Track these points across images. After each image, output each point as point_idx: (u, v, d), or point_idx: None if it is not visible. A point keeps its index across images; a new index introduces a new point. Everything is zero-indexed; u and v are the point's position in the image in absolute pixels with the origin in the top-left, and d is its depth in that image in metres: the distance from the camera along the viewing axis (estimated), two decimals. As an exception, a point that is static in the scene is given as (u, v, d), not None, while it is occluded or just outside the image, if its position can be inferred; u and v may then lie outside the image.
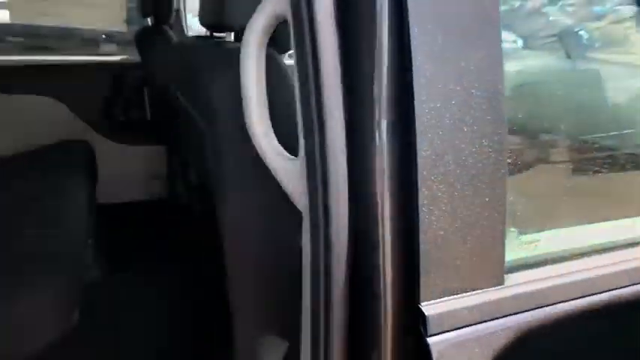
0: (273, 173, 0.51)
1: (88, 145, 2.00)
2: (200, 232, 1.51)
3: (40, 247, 1.20)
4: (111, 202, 2.14)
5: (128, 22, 2.22)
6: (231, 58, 0.75)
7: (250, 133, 0.51)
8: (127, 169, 2.23)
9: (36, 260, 1.14)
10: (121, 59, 2.22)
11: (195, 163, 1.08)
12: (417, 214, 0.42)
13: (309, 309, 0.51)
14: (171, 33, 1.66)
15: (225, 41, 0.80)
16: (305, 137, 0.46)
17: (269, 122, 0.49)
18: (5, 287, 1.06)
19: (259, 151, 0.51)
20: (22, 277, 1.08)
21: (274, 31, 0.80)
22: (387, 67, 0.41)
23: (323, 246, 0.45)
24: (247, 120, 0.50)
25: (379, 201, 0.42)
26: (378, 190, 0.41)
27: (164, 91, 1.60)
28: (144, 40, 1.85)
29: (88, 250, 1.27)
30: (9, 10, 2.08)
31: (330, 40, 0.42)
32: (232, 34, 1.06)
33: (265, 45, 0.51)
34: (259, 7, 0.49)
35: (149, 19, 1.94)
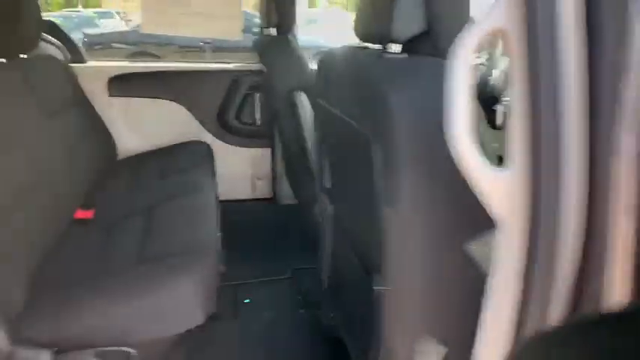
0: (471, 184, 0.53)
1: (208, 146, 2.16)
2: (312, 232, 1.58)
3: (181, 238, 1.32)
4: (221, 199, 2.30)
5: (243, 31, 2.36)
6: (406, 71, 0.78)
7: (452, 145, 0.52)
8: (235, 169, 2.37)
9: (176, 251, 1.25)
10: (235, 67, 2.37)
11: (340, 167, 1.12)
12: None
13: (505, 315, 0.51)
14: (295, 42, 1.75)
15: (392, 53, 0.82)
16: (531, 149, 0.46)
17: (475, 135, 0.51)
18: (150, 275, 1.18)
19: (461, 163, 0.52)
20: (166, 266, 1.20)
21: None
22: None
23: (545, 255, 0.45)
24: (450, 133, 0.52)
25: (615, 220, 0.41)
26: (614, 210, 0.41)
27: (286, 97, 1.69)
28: (264, 48, 1.96)
29: (218, 243, 1.37)
30: (141, 21, 2.29)
31: (574, 54, 0.42)
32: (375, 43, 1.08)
33: (472, 59, 0.53)
34: (474, 23, 0.50)
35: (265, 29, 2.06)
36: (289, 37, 1.80)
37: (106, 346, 1.09)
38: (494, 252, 0.54)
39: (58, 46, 2.19)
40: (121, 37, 7.91)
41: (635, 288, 0.45)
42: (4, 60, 1.62)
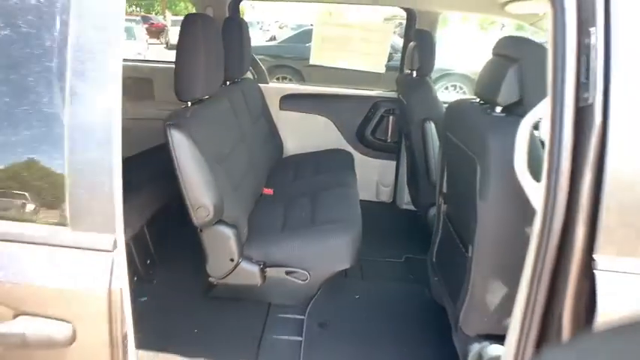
0: (525, 191, 1.04)
1: (351, 154, 2.84)
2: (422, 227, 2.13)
3: (337, 213, 1.98)
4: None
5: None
6: (501, 126, 1.31)
7: (516, 169, 1.04)
8: (364, 175, 2.99)
9: (336, 219, 1.91)
10: (377, 94, 3.00)
11: (455, 177, 1.68)
12: None
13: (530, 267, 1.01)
14: (431, 84, 2.35)
15: (496, 113, 1.37)
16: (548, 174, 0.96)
17: (526, 165, 1.02)
18: (321, 231, 1.85)
19: (520, 179, 1.04)
20: (330, 227, 1.86)
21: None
22: None
23: (547, 231, 0.94)
24: (516, 164, 1.03)
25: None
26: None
27: (419, 124, 2.27)
28: (405, 84, 2.57)
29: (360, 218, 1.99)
30: (311, 55, 3.06)
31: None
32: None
33: (530, 126, 1.04)
34: (534, 109, 1.02)
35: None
36: (427, 79, 2.39)
37: (294, 267, 1.80)
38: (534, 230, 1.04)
39: (250, 71, 3.02)
40: (263, 50, 9.04)
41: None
42: (228, 82, 2.46)
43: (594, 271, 0.86)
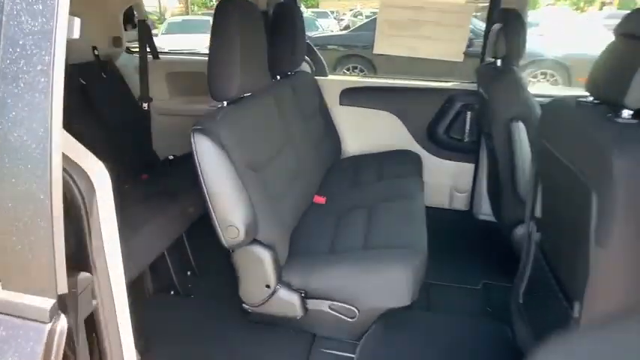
0: None
1: (419, 157, 2.45)
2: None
3: (397, 234, 1.63)
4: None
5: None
6: (634, 138, 0.89)
7: None
8: (436, 179, 2.59)
9: (395, 244, 1.56)
10: (453, 85, 2.57)
11: (554, 203, 1.25)
12: None
13: None
14: (520, 75, 1.88)
15: (623, 118, 0.93)
16: None
17: None
18: (375, 259, 1.51)
19: None
20: (387, 254, 1.52)
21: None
22: None
23: None
24: None
25: None
26: None
27: (505, 124, 1.84)
28: (487, 76, 2.13)
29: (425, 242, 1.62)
30: (375, 43, 2.69)
31: None
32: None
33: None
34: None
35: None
36: (514, 68, 1.93)
37: (339, 302, 1.48)
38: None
39: (308, 62, 2.73)
40: (333, 39, 8.76)
41: None
42: (278, 77, 2.19)
43: None
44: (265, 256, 1.48)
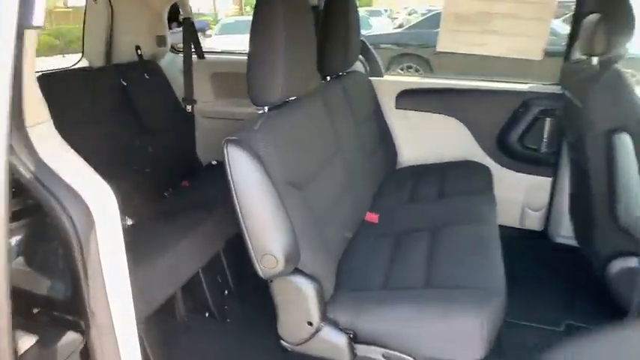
0: None
1: (489, 170, 2.13)
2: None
3: (468, 270, 1.34)
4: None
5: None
6: None
7: None
8: (506, 194, 2.26)
9: (465, 284, 1.27)
10: (530, 88, 2.24)
11: None
12: None
13: None
14: (626, 77, 1.53)
15: None
16: None
17: None
18: (441, 301, 1.23)
19: None
20: (456, 297, 1.23)
21: None
22: None
23: None
24: None
25: None
26: None
27: (603, 136, 1.50)
28: (578, 74, 1.79)
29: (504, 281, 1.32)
30: (439, 40, 2.39)
31: None
32: None
33: None
34: None
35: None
36: (617, 68, 1.57)
37: (395, 350, 1.22)
38: None
39: (361, 61, 2.48)
40: (386, 38, 8.43)
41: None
42: (328, 77, 1.96)
43: None
44: (308, 288, 1.26)
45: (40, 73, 1.94)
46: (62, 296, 0.77)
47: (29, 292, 0.76)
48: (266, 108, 1.33)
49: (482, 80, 2.41)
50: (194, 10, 2.66)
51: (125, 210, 2.02)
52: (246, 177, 1.16)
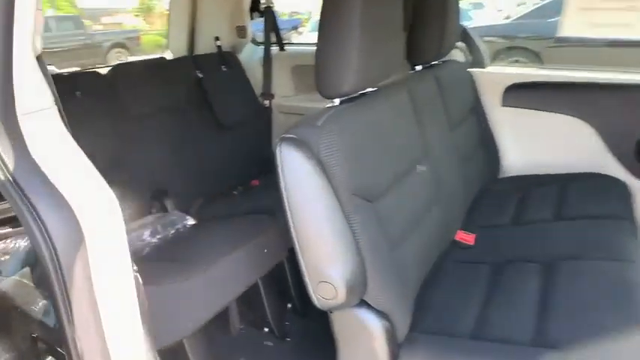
0: None
1: (624, 184, 1.67)
2: None
3: (597, 327, 0.97)
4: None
5: None
6: None
7: None
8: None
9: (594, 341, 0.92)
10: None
11: None
12: None
13: None
14: None
15: None
16: None
17: None
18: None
19: None
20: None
21: None
22: None
23: None
24: None
25: None
26: None
27: None
28: None
29: None
30: (562, 22, 1.95)
31: None
32: None
33: None
34: None
35: None
36: None
37: None
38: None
39: (462, 49, 2.13)
40: (490, 30, 7.72)
41: None
42: (419, 67, 1.66)
43: None
44: (376, 326, 1.00)
45: (117, 63, 1.91)
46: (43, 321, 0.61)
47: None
48: (337, 100, 1.10)
49: (617, 72, 1.91)
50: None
51: (189, 208, 1.93)
52: (302, 183, 0.93)
